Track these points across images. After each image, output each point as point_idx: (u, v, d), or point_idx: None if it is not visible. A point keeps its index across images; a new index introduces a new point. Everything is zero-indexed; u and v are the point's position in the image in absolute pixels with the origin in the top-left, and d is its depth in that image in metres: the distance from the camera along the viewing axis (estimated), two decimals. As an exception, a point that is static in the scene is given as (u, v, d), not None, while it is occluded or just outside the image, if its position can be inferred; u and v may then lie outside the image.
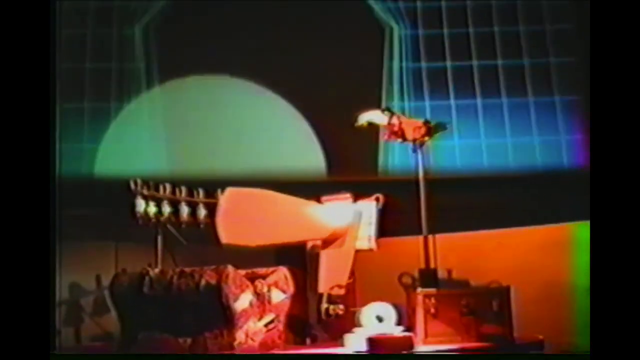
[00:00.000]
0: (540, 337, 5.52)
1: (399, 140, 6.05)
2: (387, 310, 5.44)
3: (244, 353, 5.13)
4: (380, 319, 5.41)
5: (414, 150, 5.98)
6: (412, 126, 6.00)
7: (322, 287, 5.71)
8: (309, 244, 5.86)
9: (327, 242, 5.78)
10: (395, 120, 6.02)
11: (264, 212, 5.52)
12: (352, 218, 5.87)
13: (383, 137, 6.12)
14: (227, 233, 5.29)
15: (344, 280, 5.76)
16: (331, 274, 5.73)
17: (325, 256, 5.76)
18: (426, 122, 6.03)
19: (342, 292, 5.73)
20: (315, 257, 5.81)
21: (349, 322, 5.74)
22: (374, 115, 6.13)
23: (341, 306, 5.61)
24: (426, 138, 5.97)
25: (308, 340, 5.78)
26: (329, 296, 5.64)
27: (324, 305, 5.62)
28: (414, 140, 5.97)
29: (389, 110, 6.14)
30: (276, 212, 5.58)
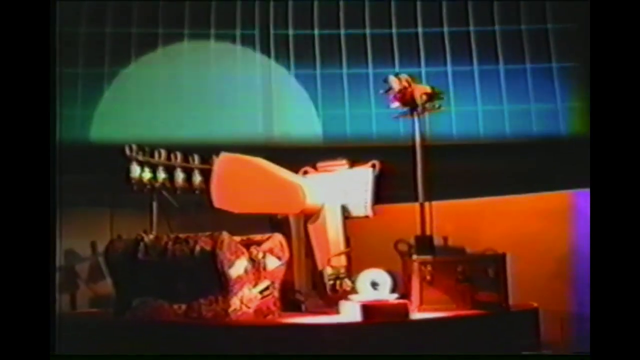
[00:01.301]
0: (535, 304, 5.53)
1: (397, 103, 6.02)
2: (382, 277, 5.42)
3: (239, 320, 5.12)
4: (374, 285, 5.40)
5: (413, 115, 5.97)
6: (421, 92, 5.98)
7: (319, 263, 5.71)
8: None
9: (308, 215, 5.79)
10: (406, 84, 5.99)
11: (252, 181, 5.62)
12: (328, 197, 5.87)
13: (389, 102, 6.06)
14: (218, 198, 5.51)
15: (338, 250, 5.75)
16: (322, 247, 5.73)
17: (313, 231, 5.76)
18: (433, 89, 6.02)
19: (343, 262, 5.73)
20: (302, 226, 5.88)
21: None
22: (392, 80, 6.08)
23: (348, 281, 5.60)
24: (437, 104, 5.99)
25: (303, 307, 5.77)
26: (333, 270, 5.65)
27: (329, 282, 5.62)
28: (417, 106, 5.96)
29: (397, 76, 6.09)
30: (264, 182, 5.65)
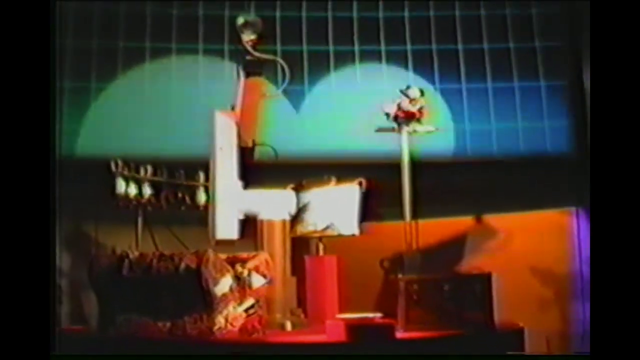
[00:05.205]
0: (521, 324, 5.51)
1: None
2: None
3: (224, 338, 5.09)
4: None
5: (398, 130, 5.98)
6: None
7: None
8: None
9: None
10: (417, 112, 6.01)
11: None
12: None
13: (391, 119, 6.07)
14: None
15: None
16: None
17: None
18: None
19: None
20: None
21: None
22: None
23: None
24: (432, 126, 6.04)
25: (289, 326, 5.74)
26: None
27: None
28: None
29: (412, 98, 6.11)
30: None
